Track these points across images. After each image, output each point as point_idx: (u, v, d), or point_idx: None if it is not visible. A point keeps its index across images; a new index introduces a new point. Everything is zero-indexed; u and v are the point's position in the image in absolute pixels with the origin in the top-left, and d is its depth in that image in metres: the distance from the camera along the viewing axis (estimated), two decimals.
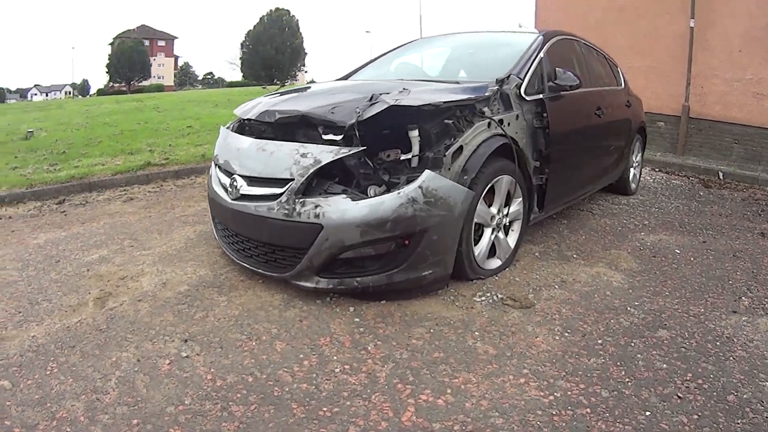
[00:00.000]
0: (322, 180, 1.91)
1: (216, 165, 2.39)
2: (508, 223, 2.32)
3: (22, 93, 62.82)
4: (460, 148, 1.94)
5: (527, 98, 2.40)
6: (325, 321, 1.83)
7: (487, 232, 2.19)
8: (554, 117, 2.48)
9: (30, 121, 9.04)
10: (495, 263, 2.25)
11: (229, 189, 2.13)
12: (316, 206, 1.82)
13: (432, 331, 1.77)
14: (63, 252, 2.61)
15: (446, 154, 1.88)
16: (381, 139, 1.99)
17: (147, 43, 49.89)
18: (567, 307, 1.97)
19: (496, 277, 2.22)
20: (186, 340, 1.68)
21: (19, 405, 1.40)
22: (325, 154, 1.87)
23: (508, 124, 2.23)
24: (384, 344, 1.69)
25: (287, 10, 37.07)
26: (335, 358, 1.61)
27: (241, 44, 35.88)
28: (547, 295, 2.07)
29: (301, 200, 1.85)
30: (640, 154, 4.17)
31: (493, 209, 2.19)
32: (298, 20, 37.58)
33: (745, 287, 2.25)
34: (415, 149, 1.96)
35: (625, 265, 2.46)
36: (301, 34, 37.39)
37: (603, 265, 2.45)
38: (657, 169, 5.41)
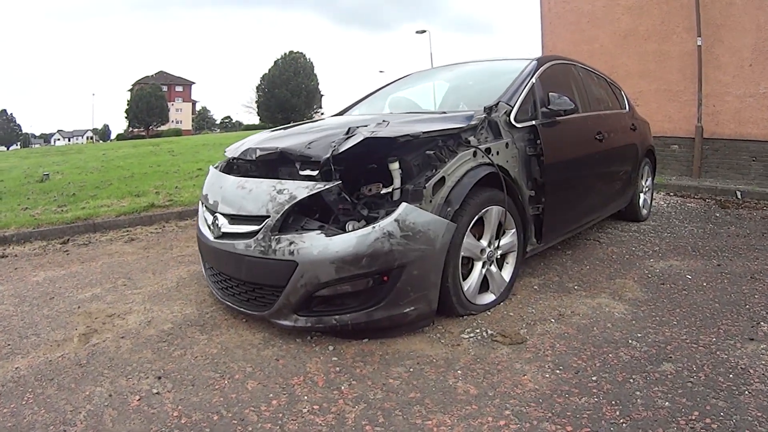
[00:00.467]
0: (300, 216, 1.88)
1: (203, 204, 2.41)
2: (500, 256, 2.23)
3: (46, 138, 66.27)
4: (442, 179, 1.89)
5: (518, 125, 2.36)
6: (302, 360, 1.76)
7: (477, 265, 2.09)
8: (548, 144, 2.42)
9: (49, 165, 9.51)
10: (488, 298, 2.14)
11: (212, 227, 2.13)
12: (291, 243, 1.78)
13: (412, 370, 1.67)
14: (59, 289, 2.67)
15: (426, 185, 1.83)
16: (364, 173, 1.97)
17: (165, 88, 51.92)
18: (561, 342, 1.84)
19: (489, 313, 2.10)
20: (160, 377, 1.67)
21: None
22: (300, 189, 1.85)
23: (497, 152, 2.18)
24: (359, 384, 1.60)
25: (302, 53, 38.52)
26: (305, 397, 1.53)
27: (257, 88, 37.27)
28: (541, 329, 1.94)
29: (276, 237, 1.82)
30: (650, 179, 4.03)
31: (483, 242, 2.10)
32: (312, 62, 38.92)
33: (764, 311, 2.07)
34: (396, 182, 1.92)
35: (630, 295, 2.31)
36: (316, 75, 38.60)
37: (606, 295, 2.31)
38: (672, 194, 5.22)
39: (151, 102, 44.08)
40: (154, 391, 1.59)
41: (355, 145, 1.83)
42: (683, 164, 6.01)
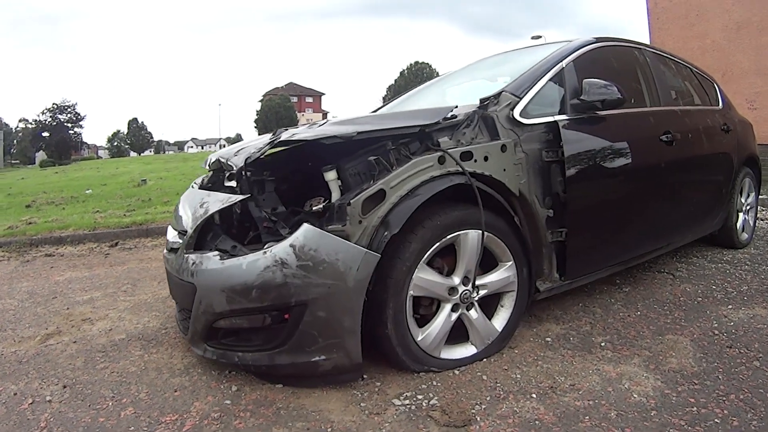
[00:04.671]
0: (220, 233, 1.63)
1: None
2: (484, 297, 1.71)
3: (180, 146, 74.42)
4: (381, 193, 1.46)
5: (526, 122, 1.81)
6: (196, 396, 1.53)
7: (444, 309, 1.62)
8: (576, 146, 1.85)
9: (161, 171, 10.66)
10: (462, 351, 1.66)
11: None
12: (193, 263, 1.53)
13: None
14: (66, 290, 2.79)
15: (351, 201, 1.42)
16: (310, 185, 1.65)
17: (295, 99, 54.32)
18: None
19: (457, 372, 1.61)
20: (65, 386, 1.64)
21: None
22: (216, 203, 1.60)
23: (485, 158, 1.67)
24: None
25: (427, 63, 38.60)
26: None
27: (383, 98, 38.21)
28: (506, 409, 1.41)
29: (186, 255, 1.58)
30: (752, 195, 3.06)
31: (455, 278, 1.62)
32: (438, 73, 39.11)
33: None
34: (335, 195, 1.56)
35: (675, 363, 1.64)
36: None
37: (639, 361, 1.67)
38: None
39: (280, 112, 46.82)
40: (48, 398, 1.57)
41: (264, 151, 1.53)
42: None
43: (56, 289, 2.79)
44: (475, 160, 1.65)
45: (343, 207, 1.42)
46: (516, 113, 1.80)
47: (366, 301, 1.43)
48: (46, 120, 42.54)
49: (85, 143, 51.05)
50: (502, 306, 1.76)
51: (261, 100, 53.05)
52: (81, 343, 2.00)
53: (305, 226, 1.40)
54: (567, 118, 1.91)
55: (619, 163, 2.04)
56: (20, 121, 46.72)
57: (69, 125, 43.40)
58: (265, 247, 1.43)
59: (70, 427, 1.40)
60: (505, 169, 1.71)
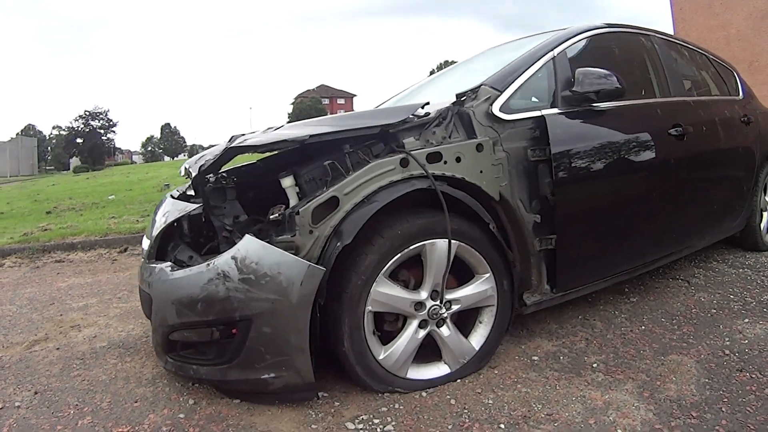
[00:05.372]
0: (179, 243, 1.59)
1: None
2: (465, 311, 1.59)
3: None
4: (334, 200, 1.36)
5: (507, 117, 1.67)
6: (154, 408, 1.51)
7: (411, 325, 1.50)
8: (565, 143, 1.70)
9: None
10: (432, 371, 1.54)
11: None
12: (150, 274, 1.50)
13: None
14: (66, 296, 2.84)
15: (300, 210, 1.33)
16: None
17: (327, 101, 54.23)
18: None
19: (424, 394, 1.49)
20: (37, 393, 1.66)
21: None
22: (174, 212, 1.58)
23: (457, 159, 1.53)
24: None
25: (456, 62, 38.27)
26: None
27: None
28: None
29: (147, 265, 1.56)
30: None
31: (422, 292, 1.50)
32: None
33: None
34: (293, 202, 1.48)
35: (673, 390, 1.47)
36: None
37: (632, 387, 1.50)
38: None
39: (311, 114, 47.54)
40: (17, 404, 1.59)
41: (216, 159, 1.46)
42: None
43: (56, 296, 2.84)
44: (445, 162, 1.52)
45: (292, 216, 1.33)
46: (495, 108, 1.66)
47: (318, 316, 1.35)
48: (78, 127, 44.26)
49: (119, 149, 53.13)
50: (480, 322, 1.63)
51: (293, 103, 53.53)
52: (63, 349, 2.02)
53: (246, 237, 1.33)
54: (556, 112, 1.76)
55: (618, 161, 1.86)
56: (54, 128, 48.98)
57: (101, 131, 45.24)
58: (209, 259, 1.38)
59: None
60: (481, 171, 1.57)
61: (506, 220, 1.68)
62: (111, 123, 45.95)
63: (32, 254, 3.88)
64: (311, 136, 1.42)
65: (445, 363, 1.56)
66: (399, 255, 1.43)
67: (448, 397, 1.48)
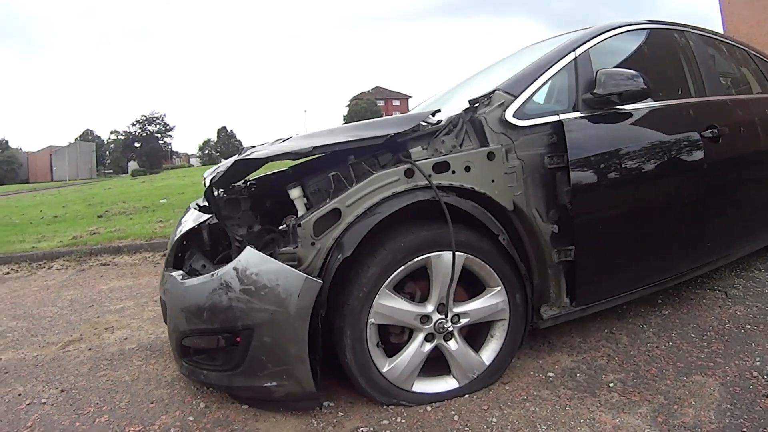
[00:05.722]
0: (196, 251, 1.66)
1: None
2: (477, 325, 1.56)
3: None
4: (336, 212, 1.37)
5: (522, 123, 1.61)
6: (167, 410, 1.59)
7: (417, 338, 1.48)
8: (585, 148, 1.63)
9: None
10: (443, 385, 1.51)
11: None
12: (165, 281, 1.58)
13: None
14: (105, 298, 2.99)
15: (302, 222, 1.35)
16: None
17: (382, 103, 54.28)
18: None
19: (429, 408, 1.46)
20: (63, 390, 1.76)
21: None
22: (190, 221, 1.66)
23: (466, 168, 1.49)
24: None
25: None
26: None
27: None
28: None
29: (165, 273, 1.63)
30: None
31: (428, 305, 1.47)
32: None
33: None
34: (301, 213, 1.50)
35: (690, 416, 1.36)
36: None
37: (647, 410, 1.40)
38: None
39: (366, 117, 47.95)
40: (44, 401, 1.69)
41: (227, 170, 1.52)
42: None
43: (96, 298, 3.00)
44: (453, 172, 1.48)
45: (295, 228, 1.36)
46: (509, 114, 1.61)
47: (321, 327, 1.36)
48: (135, 131, 46.85)
49: (176, 152, 55.59)
50: (492, 336, 1.57)
51: (348, 105, 53.96)
52: (95, 350, 2.13)
53: (247, 249, 1.37)
54: (576, 116, 1.68)
55: (644, 167, 1.75)
56: (111, 132, 51.35)
57: (158, 135, 47.56)
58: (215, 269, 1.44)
59: (51, 428, 1.51)
60: (493, 180, 1.53)
61: (522, 231, 1.62)
62: (167, 127, 48.09)
63: (79, 257, 4.14)
64: (315, 148, 1.44)
65: (454, 377, 1.52)
66: (403, 267, 1.41)
67: (453, 412, 1.44)
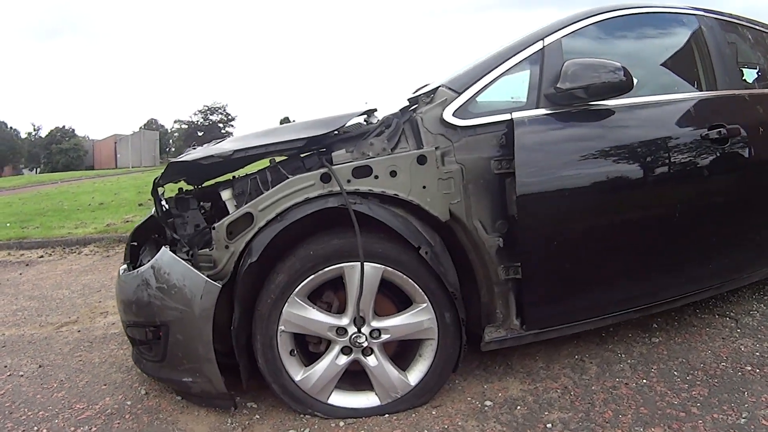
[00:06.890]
0: (152, 245, 1.73)
1: None
2: (404, 343, 1.51)
3: None
4: (248, 216, 1.37)
5: (464, 123, 1.48)
6: (113, 392, 1.69)
7: (332, 350, 1.44)
8: (537, 150, 1.47)
9: None
10: (363, 401, 1.46)
11: None
12: (118, 274, 1.67)
13: None
14: (114, 284, 3.23)
15: (216, 225, 1.37)
16: None
17: None
18: None
19: (342, 423, 1.41)
20: (40, 366, 1.94)
21: None
22: (147, 216, 1.78)
23: (392, 173, 1.40)
24: None
25: None
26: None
27: None
28: None
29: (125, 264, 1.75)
30: None
31: (345, 317, 1.42)
32: None
33: None
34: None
35: None
36: None
37: None
38: None
39: None
40: (21, 373, 1.87)
41: (164, 172, 1.60)
42: None
43: (106, 284, 3.21)
44: (376, 177, 1.41)
45: (210, 231, 1.39)
46: (447, 114, 1.48)
47: (233, 329, 1.38)
48: (198, 121, 49.29)
49: None
50: (420, 356, 1.48)
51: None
52: (83, 332, 2.31)
53: (162, 249, 1.42)
54: (532, 114, 1.50)
55: (621, 173, 1.55)
56: (175, 122, 53.23)
57: (221, 125, 49.88)
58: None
59: (16, 397, 1.69)
60: (425, 187, 1.42)
61: (467, 244, 1.51)
62: (229, 117, 50.27)
63: (108, 244, 4.48)
64: (235, 151, 1.44)
65: (376, 394, 1.47)
66: (313, 276, 1.38)
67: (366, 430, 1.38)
